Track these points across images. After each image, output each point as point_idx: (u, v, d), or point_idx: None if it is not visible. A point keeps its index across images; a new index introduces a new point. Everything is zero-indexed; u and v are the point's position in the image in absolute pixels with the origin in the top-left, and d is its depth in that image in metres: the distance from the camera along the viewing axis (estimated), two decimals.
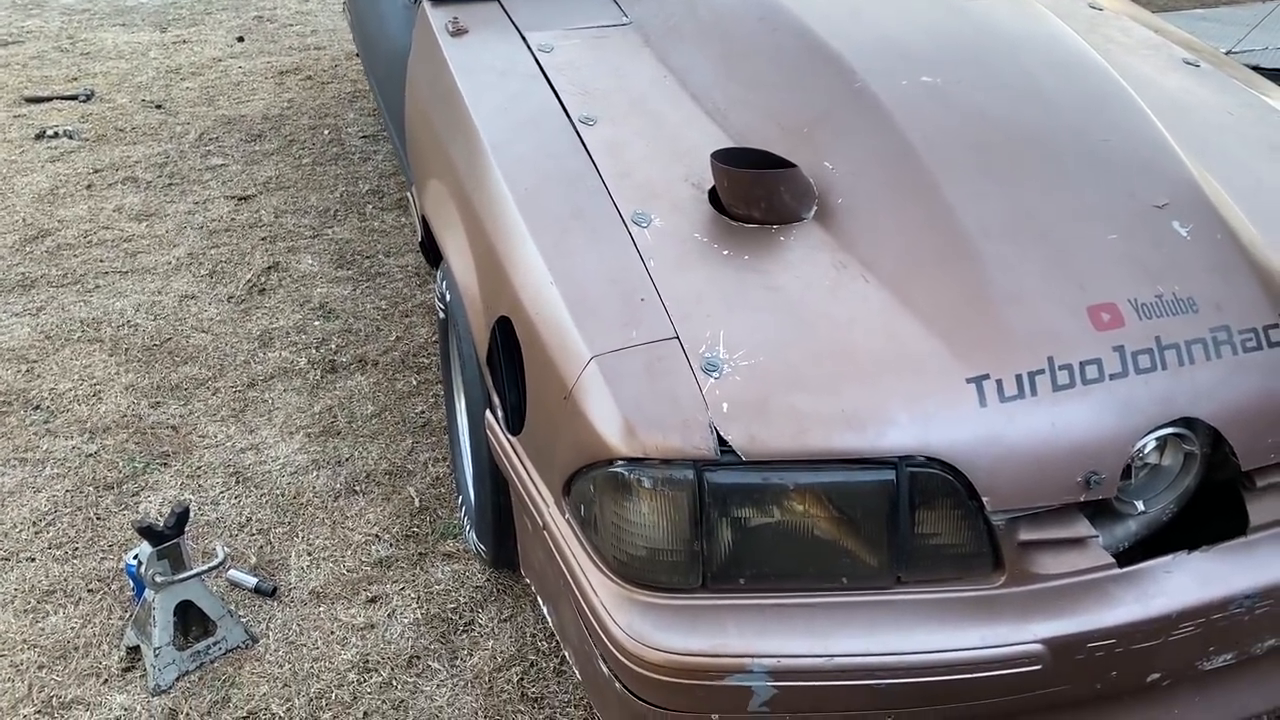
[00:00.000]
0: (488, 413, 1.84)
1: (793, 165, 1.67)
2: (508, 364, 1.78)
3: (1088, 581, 1.46)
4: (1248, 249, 1.60)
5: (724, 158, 1.67)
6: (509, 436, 1.75)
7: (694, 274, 1.58)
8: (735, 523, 1.41)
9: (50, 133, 4.64)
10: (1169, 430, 1.48)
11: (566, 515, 1.55)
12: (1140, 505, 1.53)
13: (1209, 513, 1.58)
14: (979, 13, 1.99)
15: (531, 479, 1.66)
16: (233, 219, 3.88)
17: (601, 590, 1.46)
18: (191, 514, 2.38)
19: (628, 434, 1.41)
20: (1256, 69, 4.80)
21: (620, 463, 1.42)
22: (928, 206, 1.60)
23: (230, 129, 4.72)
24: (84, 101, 5.07)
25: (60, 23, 6.50)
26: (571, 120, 1.91)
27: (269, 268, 3.52)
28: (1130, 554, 1.55)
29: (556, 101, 1.96)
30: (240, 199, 4.04)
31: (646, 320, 1.51)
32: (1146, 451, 1.51)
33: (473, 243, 1.87)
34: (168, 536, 1.93)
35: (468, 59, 2.15)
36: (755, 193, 1.64)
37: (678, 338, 1.48)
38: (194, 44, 6.01)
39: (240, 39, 6.08)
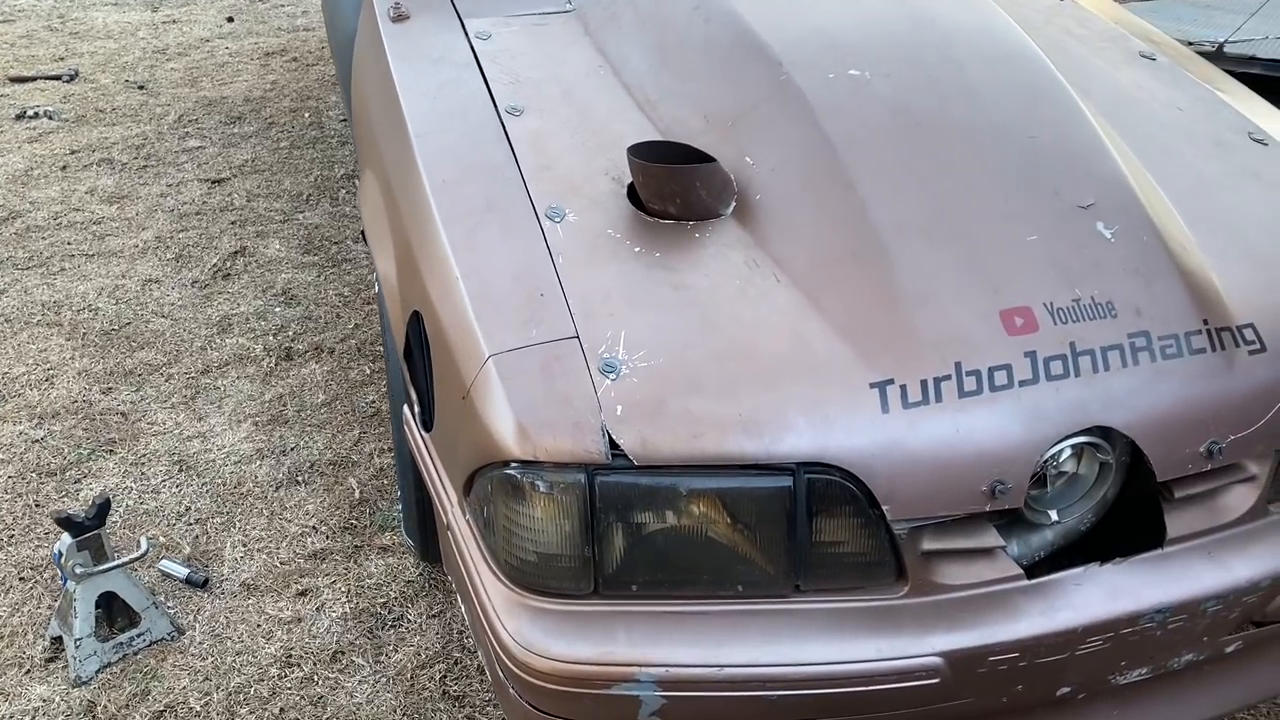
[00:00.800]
0: (405, 408, 1.81)
1: (711, 160, 1.63)
2: (422, 359, 1.76)
3: (993, 593, 1.42)
4: (1176, 252, 1.55)
5: (641, 152, 1.63)
6: (422, 433, 1.72)
7: (602, 271, 1.54)
8: (628, 528, 1.38)
9: (30, 113, 4.62)
10: (1083, 439, 1.43)
11: (467, 515, 1.52)
12: (1054, 515, 1.49)
13: (1132, 523, 1.54)
14: (919, 4, 1.93)
15: (440, 477, 1.63)
16: (204, 202, 3.86)
17: (494, 594, 1.43)
18: (130, 503, 2.37)
19: (520, 435, 1.37)
20: (1253, 59, 4.72)
21: (514, 465, 1.38)
22: (842, 204, 1.56)
23: (211, 111, 4.69)
24: (68, 82, 5.05)
25: (53, 1, 6.48)
26: (498, 110, 1.86)
27: (235, 252, 3.49)
28: (1047, 565, 1.52)
29: (486, 90, 1.92)
30: (214, 182, 4.02)
31: (548, 319, 1.47)
32: (1061, 460, 1.46)
33: (394, 235, 1.84)
34: (88, 527, 1.91)
35: (404, 46, 2.11)
36: (670, 188, 1.60)
37: (578, 337, 1.44)
38: (184, 24, 5.99)
39: (230, 19, 6.05)
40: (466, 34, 2.11)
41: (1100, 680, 1.48)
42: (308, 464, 2.48)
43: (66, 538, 1.91)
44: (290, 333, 3.03)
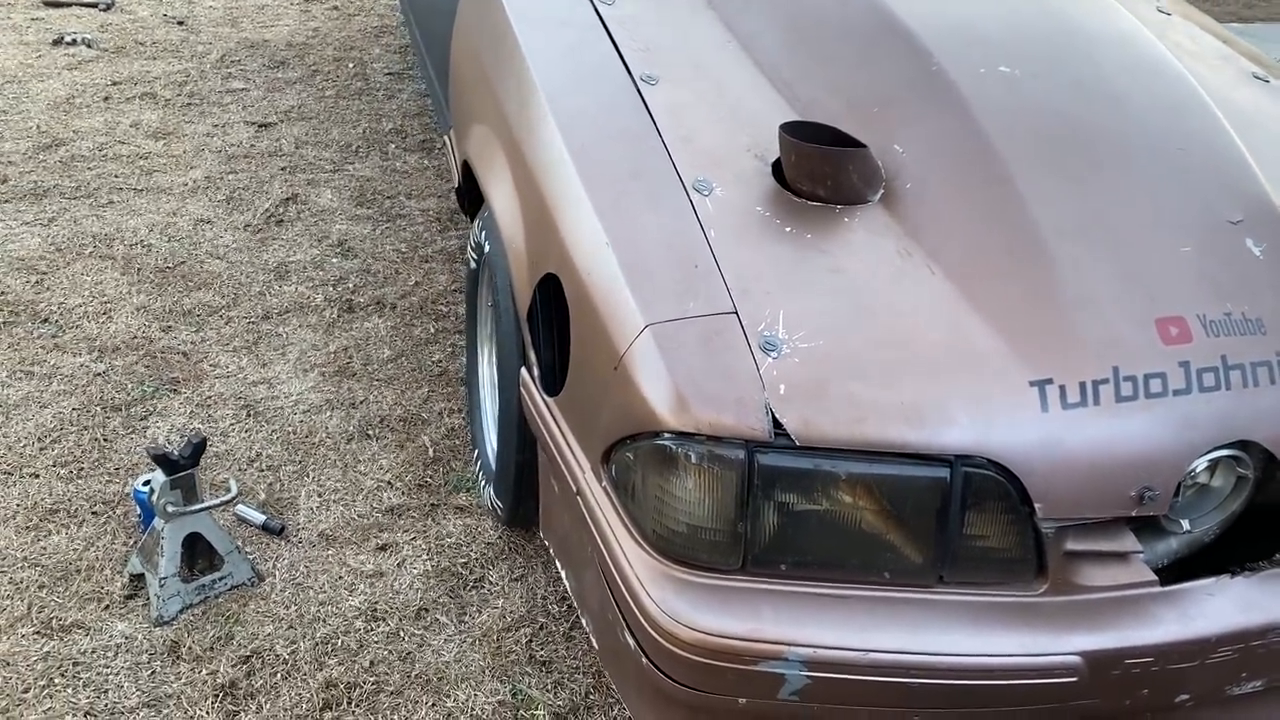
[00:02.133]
0: (523, 370, 1.80)
1: (862, 145, 1.62)
2: (548, 323, 1.74)
3: (1129, 597, 1.44)
4: None
5: (792, 130, 1.62)
6: (545, 397, 1.71)
7: (755, 249, 1.53)
8: (782, 507, 1.38)
9: (69, 39, 4.53)
10: (1225, 451, 1.45)
11: (604, 483, 1.51)
12: (1186, 524, 1.50)
13: (1248, 535, 1.56)
14: (1057, 8, 1.93)
15: (567, 442, 1.62)
16: (252, 145, 3.80)
17: (637, 563, 1.43)
18: None
19: (679, 407, 1.37)
20: None
21: (668, 436, 1.38)
22: (999, 200, 1.56)
23: (253, 53, 4.62)
24: (104, 10, 4.95)
25: None
26: (633, 77, 1.85)
27: (287, 199, 3.45)
28: (1168, 572, 1.53)
29: (617, 56, 1.90)
30: (261, 126, 3.96)
31: (704, 292, 1.46)
32: (1198, 471, 1.48)
33: (521, 194, 1.82)
34: (183, 466, 1.89)
35: (525, 5, 2.08)
36: (822, 170, 1.59)
37: (736, 313, 1.44)
38: None
39: None
40: None
41: (1218, 690, 1.50)
42: (378, 419, 2.46)
43: (160, 474, 1.88)
44: (350, 285, 2.99)
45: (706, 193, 1.61)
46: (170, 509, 1.89)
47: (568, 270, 1.60)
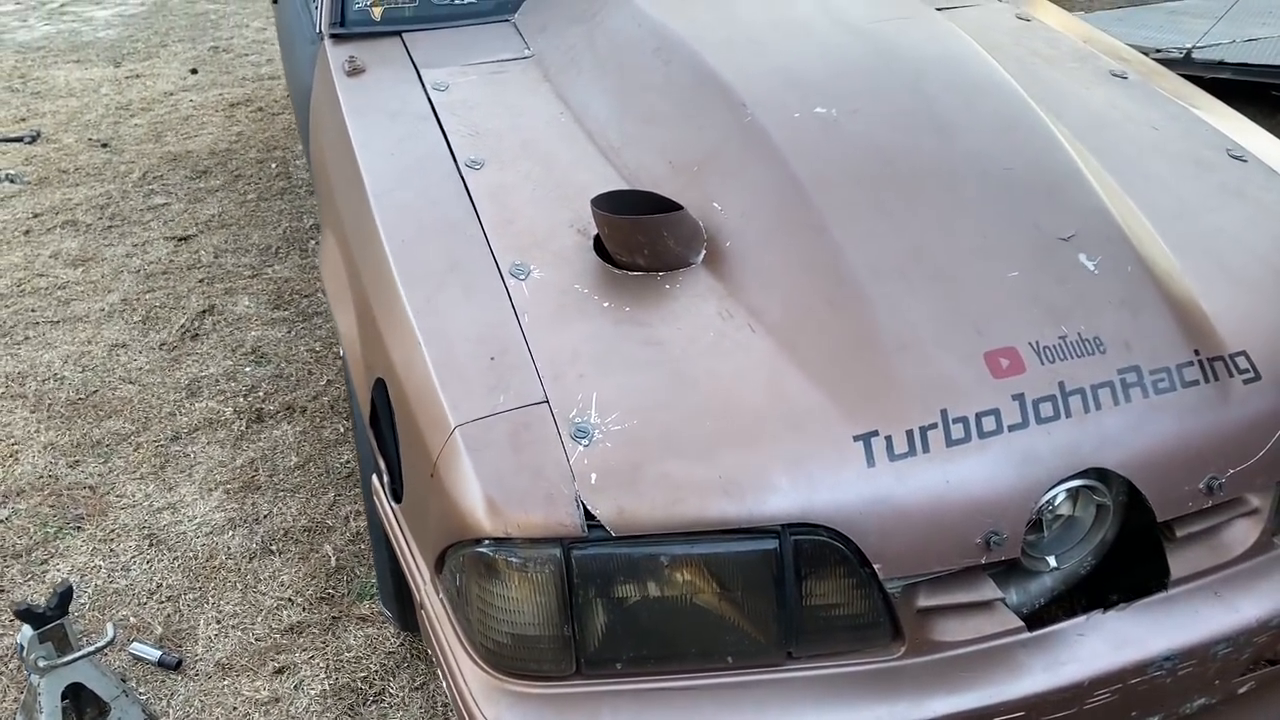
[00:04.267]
0: (374, 477, 1.74)
1: (679, 207, 1.57)
2: (389, 428, 1.69)
3: (994, 648, 1.36)
4: (1162, 280, 1.50)
5: (604, 203, 1.57)
6: (392, 504, 1.65)
7: (570, 329, 1.48)
8: (608, 602, 1.31)
9: None
10: (1078, 482, 1.38)
11: (440, 594, 1.45)
12: (1052, 561, 1.43)
13: (1134, 560, 1.49)
14: (884, 36, 1.89)
15: (411, 550, 1.56)
16: (171, 260, 3.79)
17: (470, 678, 1.36)
18: (99, 582, 2.29)
19: (491, 511, 1.31)
20: (1221, 64, 4.72)
21: (486, 542, 1.32)
22: (815, 248, 1.50)
23: (175, 166, 4.63)
24: (29, 143, 4.98)
25: (14, 61, 6.41)
26: (457, 164, 1.81)
27: (204, 311, 3.42)
28: (1049, 610, 1.46)
29: (445, 144, 1.87)
30: (180, 239, 3.95)
31: (515, 384, 1.41)
32: (1057, 504, 1.41)
33: (355, 298, 1.77)
34: (50, 618, 1.83)
35: (360, 100, 2.05)
36: (637, 239, 1.54)
37: (547, 402, 1.38)
38: (147, 78, 5.92)
39: (194, 71, 5.99)
40: (424, 86, 2.06)
41: None
42: (282, 531, 2.40)
43: (28, 629, 1.82)
44: (261, 393, 2.95)
45: (523, 276, 1.56)
46: (42, 663, 1.83)
47: (390, 373, 1.55)
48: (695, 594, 1.32)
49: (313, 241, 3.88)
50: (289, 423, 2.81)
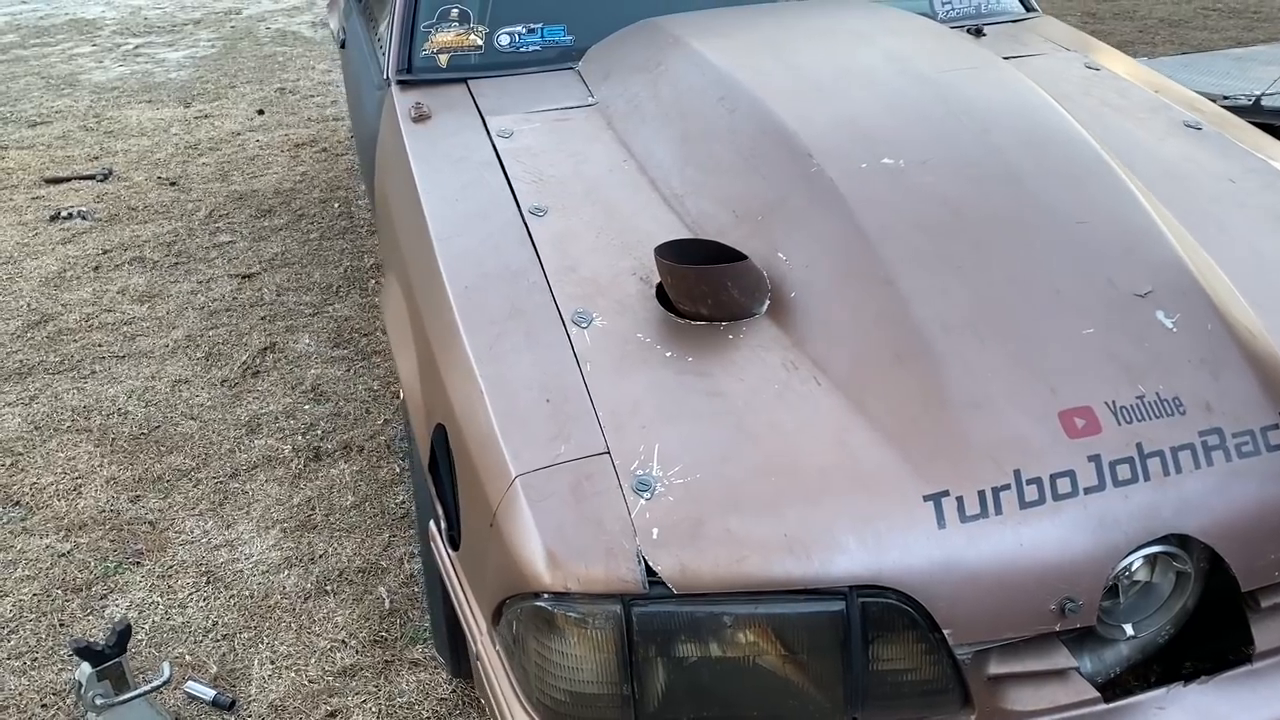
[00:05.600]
0: (431, 524, 1.73)
1: (744, 257, 1.56)
2: (448, 475, 1.68)
3: (1069, 719, 1.31)
4: (1243, 339, 1.45)
5: (668, 251, 1.56)
6: (450, 551, 1.64)
7: (632, 379, 1.46)
8: (669, 662, 1.28)
9: (65, 214, 4.67)
10: (1157, 548, 1.33)
11: (496, 646, 1.43)
12: (1129, 629, 1.38)
13: (1214, 630, 1.43)
14: (952, 86, 1.87)
15: (468, 600, 1.55)
16: (234, 298, 3.85)
17: None
18: (156, 619, 2.30)
19: (550, 564, 1.29)
20: None
21: (545, 596, 1.30)
22: (883, 300, 1.48)
23: (241, 204, 4.72)
24: (101, 181, 5.11)
25: (89, 101, 6.61)
26: (521, 211, 1.81)
27: (265, 349, 3.46)
28: (1124, 680, 1.40)
29: (509, 191, 1.88)
30: (244, 277, 4.01)
31: (576, 434, 1.39)
32: (1134, 570, 1.36)
33: (417, 343, 1.78)
34: (108, 656, 1.84)
35: (426, 146, 2.08)
36: (701, 289, 1.53)
37: (609, 453, 1.36)
38: (215, 118, 6.07)
39: (261, 112, 6.13)
40: (489, 132, 2.07)
41: None
42: (336, 572, 2.40)
43: (86, 667, 1.84)
44: (319, 431, 2.97)
45: (585, 325, 1.56)
46: (99, 702, 1.84)
47: (451, 420, 1.55)
48: (758, 655, 1.28)
49: (373, 281, 3.92)
50: (346, 461, 2.82)
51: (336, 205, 4.68)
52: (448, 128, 2.13)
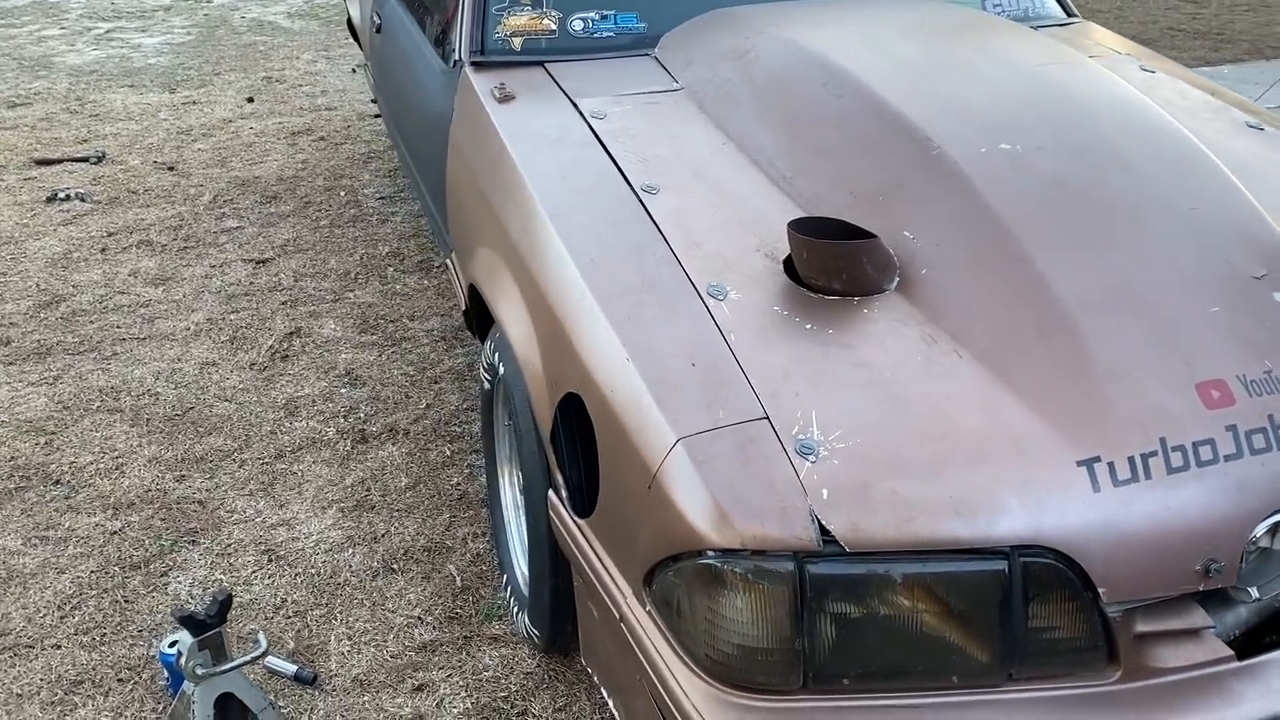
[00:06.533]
0: (550, 493, 1.75)
1: (873, 235, 1.61)
2: (572, 443, 1.70)
3: (1207, 676, 1.38)
4: None
5: (801, 227, 1.61)
6: (576, 520, 1.66)
7: (777, 349, 1.50)
8: (838, 618, 1.32)
9: (62, 195, 4.58)
10: None
11: (648, 607, 1.46)
12: (1255, 592, 1.45)
13: None
14: (1050, 78, 1.94)
15: (604, 566, 1.57)
16: (251, 283, 3.81)
17: (691, 690, 1.37)
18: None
19: (721, 523, 1.32)
20: None
21: (712, 554, 1.33)
22: (1019, 277, 1.54)
23: (244, 191, 4.67)
24: (95, 163, 5.01)
25: (68, 84, 6.47)
26: (633, 188, 1.85)
27: (291, 333, 3.44)
28: (1241, 644, 1.47)
29: (615, 169, 1.91)
30: (258, 262, 3.97)
31: (732, 400, 1.43)
32: (1259, 536, 1.43)
33: (534, 315, 1.80)
34: (210, 625, 1.83)
35: (518, 125, 2.10)
36: (836, 264, 1.58)
37: (768, 418, 1.40)
38: (203, 105, 5.98)
39: (250, 99, 6.05)
40: (581, 114, 2.10)
41: None
42: (401, 551, 2.41)
43: (187, 636, 1.82)
44: (361, 414, 2.96)
45: (721, 297, 1.60)
46: (200, 671, 1.82)
47: (590, 389, 1.57)
48: (922, 612, 1.33)
49: (390, 269, 3.91)
50: (394, 444, 2.81)
51: (343, 194, 4.65)
52: (536, 109, 2.16)
